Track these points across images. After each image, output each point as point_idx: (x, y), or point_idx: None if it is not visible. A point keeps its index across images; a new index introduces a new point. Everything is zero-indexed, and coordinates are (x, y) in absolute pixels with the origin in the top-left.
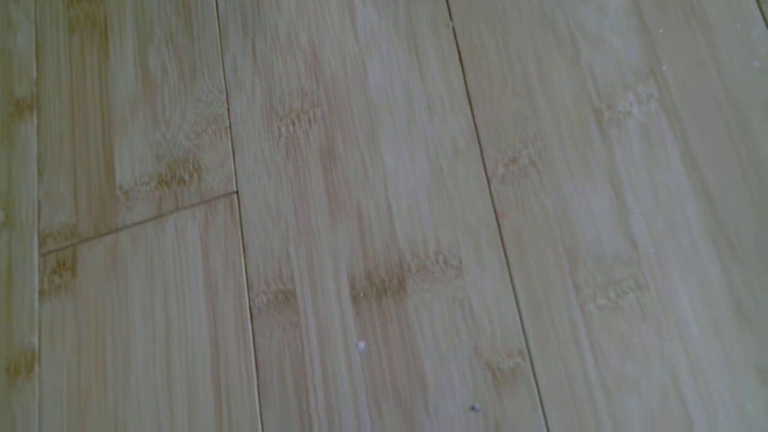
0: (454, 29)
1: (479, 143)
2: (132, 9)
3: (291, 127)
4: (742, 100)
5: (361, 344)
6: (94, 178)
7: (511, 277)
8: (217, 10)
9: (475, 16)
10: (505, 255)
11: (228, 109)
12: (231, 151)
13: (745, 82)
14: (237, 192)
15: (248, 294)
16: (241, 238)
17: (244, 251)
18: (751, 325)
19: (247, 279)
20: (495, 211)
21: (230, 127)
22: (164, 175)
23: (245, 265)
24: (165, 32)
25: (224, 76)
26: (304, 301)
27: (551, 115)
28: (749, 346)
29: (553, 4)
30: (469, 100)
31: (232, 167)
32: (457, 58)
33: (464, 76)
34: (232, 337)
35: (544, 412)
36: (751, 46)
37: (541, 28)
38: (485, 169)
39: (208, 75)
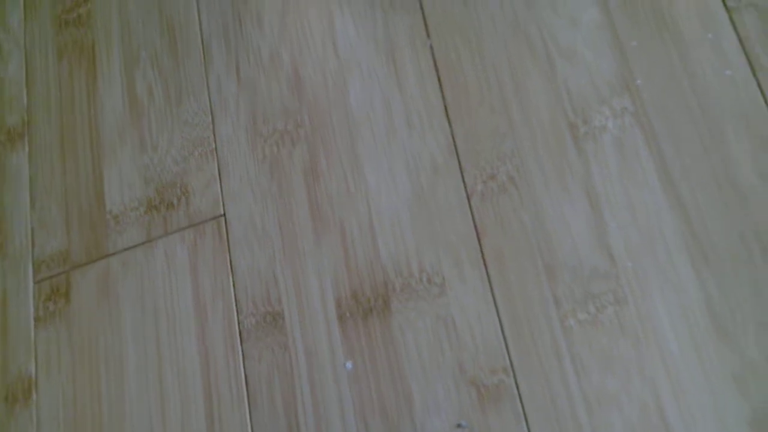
0: (431, 46)
1: (458, 160)
2: (118, 33)
3: (275, 148)
4: (715, 110)
5: (349, 364)
6: (85, 203)
7: (492, 293)
8: (200, 31)
9: (451, 31)
10: (487, 272)
11: (213, 132)
12: (217, 174)
13: (718, 91)
14: (224, 214)
15: (237, 316)
16: (229, 260)
17: (232, 274)
18: (728, 336)
19: (235, 301)
20: (475, 227)
21: (216, 150)
22: (153, 200)
23: (234, 288)
24: (150, 55)
25: (209, 98)
26: (292, 322)
27: (528, 130)
28: (727, 357)
29: (527, 19)
30: (447, 117)
31: (219, 190)
32: (435, 73)
33: (442, 92)
34: (222, 360)
35: (528, 427)
36: (723, 55)
37: (515, 42)
38: (465, 185)
39: (193, 97)
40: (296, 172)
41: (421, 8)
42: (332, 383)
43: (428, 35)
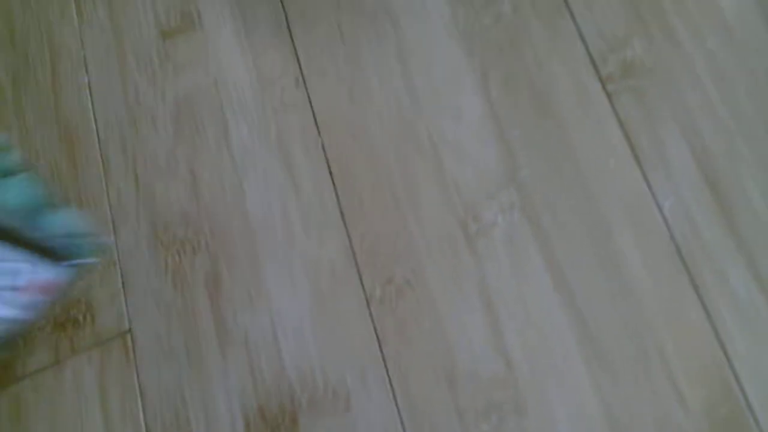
0: (323, 145)
1: (356, 264)
2: (18, 141)
3: (177, 258)
4: (600, 199)
5: None
6: None
7: (397, 407)
8: (98, 137)
9: (340, 129)
10: (390, 382)
11: (116, 243)
12: (121, 288)
13: (603, 181)
14: (129, 330)
15: None
16: (136, 381)
17: (140, 395)
18: None
19: (145, 425)
20: (376, 334)
21: (118, 262)
22: (59, 317)
23: (143, 411)
24: (50, 164)
25: (110, 208)
26: None
27: (420, 231)
28: None
29: (413, 113)
30: (343, 219)
31: (123, 305)
32: (328, 173)
33: (336, 193)
34: None
35: None
36: (605, 141)
37: (403, 138)
38: (364, 290)
39: (94, 207)
40: (199, 282)
41: (311, 105)
42: None
43: (319, 133)
